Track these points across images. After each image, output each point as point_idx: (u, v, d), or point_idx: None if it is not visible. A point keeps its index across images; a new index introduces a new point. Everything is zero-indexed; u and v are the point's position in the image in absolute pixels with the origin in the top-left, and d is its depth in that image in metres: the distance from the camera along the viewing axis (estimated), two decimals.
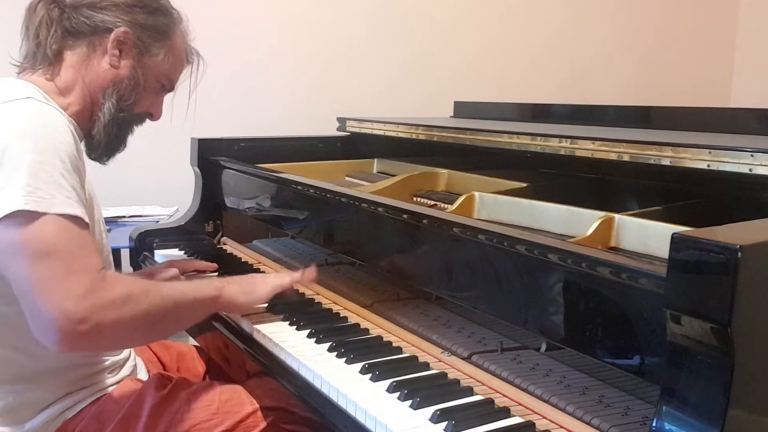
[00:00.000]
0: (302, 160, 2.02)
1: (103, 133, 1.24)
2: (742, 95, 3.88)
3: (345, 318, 1.33)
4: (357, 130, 2.14)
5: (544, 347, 1.15)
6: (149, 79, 1.26)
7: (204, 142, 1.98)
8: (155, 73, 1.27)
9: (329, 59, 2.98)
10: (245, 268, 1.69)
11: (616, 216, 1.15)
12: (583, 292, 0.89)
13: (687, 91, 3.75)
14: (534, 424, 0.92)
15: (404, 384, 1.01)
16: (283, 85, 2.89)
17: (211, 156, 1.97)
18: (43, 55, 1.20)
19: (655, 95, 3.63)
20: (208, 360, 1.56)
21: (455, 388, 1.02)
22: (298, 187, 1.55)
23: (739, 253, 0.66)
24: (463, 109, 2.49)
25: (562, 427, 0.92)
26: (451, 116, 2.50)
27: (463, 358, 1.13)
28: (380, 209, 1.28)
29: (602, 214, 1.16)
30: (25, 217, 0.98)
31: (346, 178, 1.97)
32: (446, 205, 1.47)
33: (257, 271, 1.66)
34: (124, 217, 2.40)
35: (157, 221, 2.27)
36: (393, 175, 1.78)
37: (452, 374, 1.07)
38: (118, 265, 2.14)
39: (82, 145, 1.21)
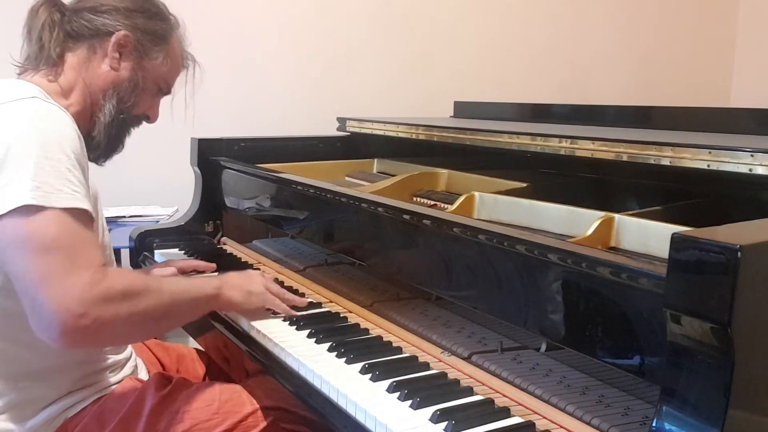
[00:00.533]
0: (302, 160, 2.02)
1: (103, 133, 1.26)
2: (742, 95, 3.87)
3: (345, 318, 1.33)
4: (357, 130, 2.14)
5: (544, 347, 1.15)
6: (148, 82, 1.29)
7: (204, 142, 1.98)
8: (154, 76, 1.30)
9: (329, 59, 2.98)
10: (245, 269, 1.68)
11: (616, 216, 1.15)
12: (583, 292, 0.89)
13: (687, 91, 3.75)
14: (534, 424, 0.92)
15: (404, 384, 1.01)
16: (283, 85, 2.89)
17: (211, 156, 1.97)
18: (46, 57, 1.22)
19: (655, 95, 3.62)
20: (207, 362, 1.56)
21: (455, 388, 1.02)
22: (298, 187, 1.55)
23: (739, 253, 0.66)
24: (463, 109, 2.49)
25: (562, 427, 0.92)
26: (451, 116, 2.50)
27: (463, 358, 1.13)
28: (380, 209, 1.28)
29: (602, 214, 1.16)
30: (30, 211, 0.99)
31: (346, 178, 1.97)
32: (446, 205, 1.47)
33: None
34: (124, 217, 2.40)
35: (157, 221, 2.27)
36: (393, 175, 1.78)
37: (452, 374, 1.07)
38: (118, 265, 2.14)
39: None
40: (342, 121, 2.21)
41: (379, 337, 1.22)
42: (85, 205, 1.04)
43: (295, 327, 1.27)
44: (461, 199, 1.40)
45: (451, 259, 1.11)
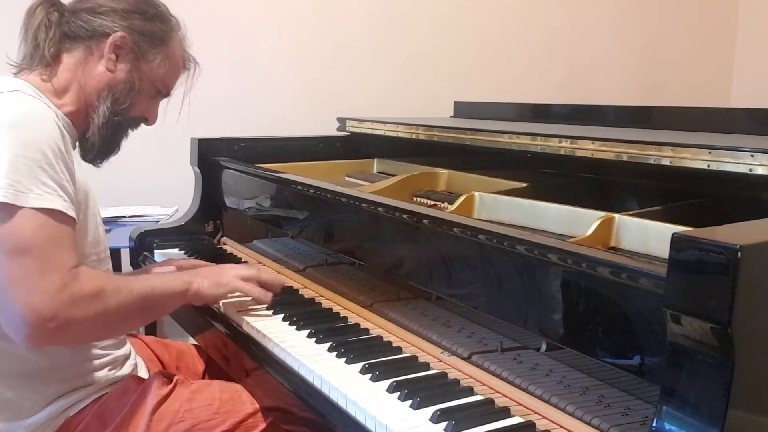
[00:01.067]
0: (302, 160, 2.02)
1: (97, 135, 1.26)
2: (742, 95, 3.87)
3: (345, 318, 1.33)
4: (357, 130, 2.14)
5: (544, 347, 1.15)
6: (145, 84, 1.29)
7: (204, 142, 1.98)
8: (151, 78, 1.30)
9: (329, 59, 2.98)
10: None
11: (616, 216, 1.15)
12: (583, 292, 0.89)
13: (687, 91, 3.75)
14: (534, 424, 0.92)
15: (404, 384, 1.01)
16: (283, 85, 2.89)
17: (211, 156, 1.97)
18: (40, 56, 1.22)
19: (655, 95, 3.63)
20: (207, 359, 1.56)
21: (455, 388, 1.02)
22: (298, 187, 1.55)
23: (739, 253, 0.66)
24: (463, 109, 2.49)
25: (562, 427, 0.92)
26: (451, 116, 2.50)
27: (463, 358, 1.13)
28: (380, 209, 1.28)
29: (602, 214, 1.16)
30: (2, 210, 1.00)
31: (346, 178, 1.96)
32: (446, 205, 1.47)
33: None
34: (124, 217, 2.40)
35: (157, 221, 2.27)
36: (393, 175, 1.78)
37: (452, 374, 1.07)
38: (118, 264, 2.14)
39: (74, 147, 1.22)
40: (342, 121, 2.21)
41: (379, 337, 1.23)
42: (57, 204, 1.04)
43: (295, 327, 1.27)
44: (461, 199, 1.40)
45: (451, 259, 1.11)
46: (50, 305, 1.00)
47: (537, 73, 3.41)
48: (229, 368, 1.44)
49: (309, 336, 1.22)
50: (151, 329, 2.29)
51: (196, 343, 1.61)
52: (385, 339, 1.22)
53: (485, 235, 1.03)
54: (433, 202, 1.57)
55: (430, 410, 0.93)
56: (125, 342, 1.34)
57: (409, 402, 0.96)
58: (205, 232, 1.99)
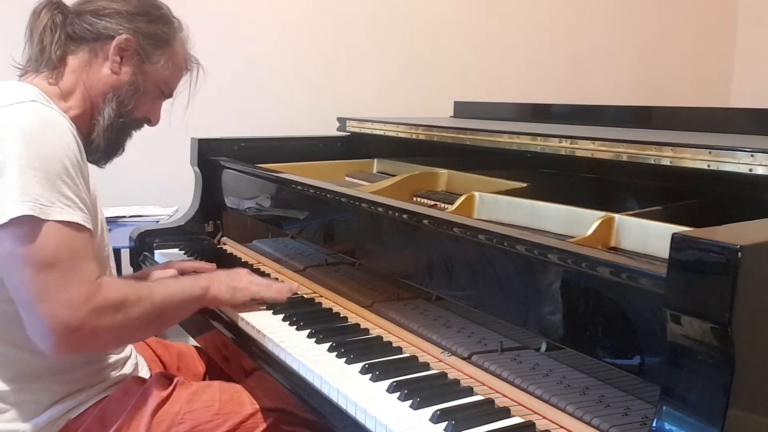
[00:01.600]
0: (302, 160, 2.02)
1: (102, 137, 1.26)
2: (742, 95, 3.88)
3: (345, 318, 1.33)
4: (357, 130, 2.14)
5: (544, 347, 1.15)
6: (149, 86, 1.29)
7: (204, 142, 1.98)
8: (155, 80, 1.30)
9: (329, 59, 2.98)
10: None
11: (616, 216, 1.15)
12: (583, 292, 0.89)
13: (687, 91, 3.75)
14: (534, 424, 0.92)
15: (404, 384, 1.01)
16: (283, 85, 2.89)
17: (211, 156, 1.97)
18: (47, 59, 1.22)
19: (655, 95, 3.63)
20: (207, 360, 1.56)
21: (455, 388, 1.02)
22: (298, 187, 1.55)
23: (739, 253, 0.66)
24: (463, 109, 2.49)
25: (562, 427, 0.92)
26: (451, 116, 2.50)
27: (463, 358, 1.13)
28: (380, 209, 1.28)
29: (602, 214, 1.16)
30: (27, 224, 1.01)
31: (346, 178, 1.96)
32: (446, 205, 1.47)
33: (257, 271, 1.65)
34: (124, 217, 2.40)
35: (157, 221, 2.27)
36: (393, 175, 1.78)
37: (452, 374, 1.07)
38: (118, 264, 2.14)
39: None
40: (342, 121, 2.21)
41: (379, 337, 1.22)
42: (78, 218, 1.05)
43: (295, 327, 1.27)
44: (461, 199, 1.40)
45: (451, 259, 1.11)
46: (76, 316, 1.02)
47: (537, 73, 3.41)
48: (230, 369, 1.44)
49: (309, 336, 1.22)
50: None
51: (197, 344, 1.61)
52: (385, 339, 1.22)
53: (485, 235, 1.03)
54: (433, 202, 1.57)
55: (430, 410, 0.93)
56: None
57: (409, 402, 0.96)
58: (205, 232, 1.99)
